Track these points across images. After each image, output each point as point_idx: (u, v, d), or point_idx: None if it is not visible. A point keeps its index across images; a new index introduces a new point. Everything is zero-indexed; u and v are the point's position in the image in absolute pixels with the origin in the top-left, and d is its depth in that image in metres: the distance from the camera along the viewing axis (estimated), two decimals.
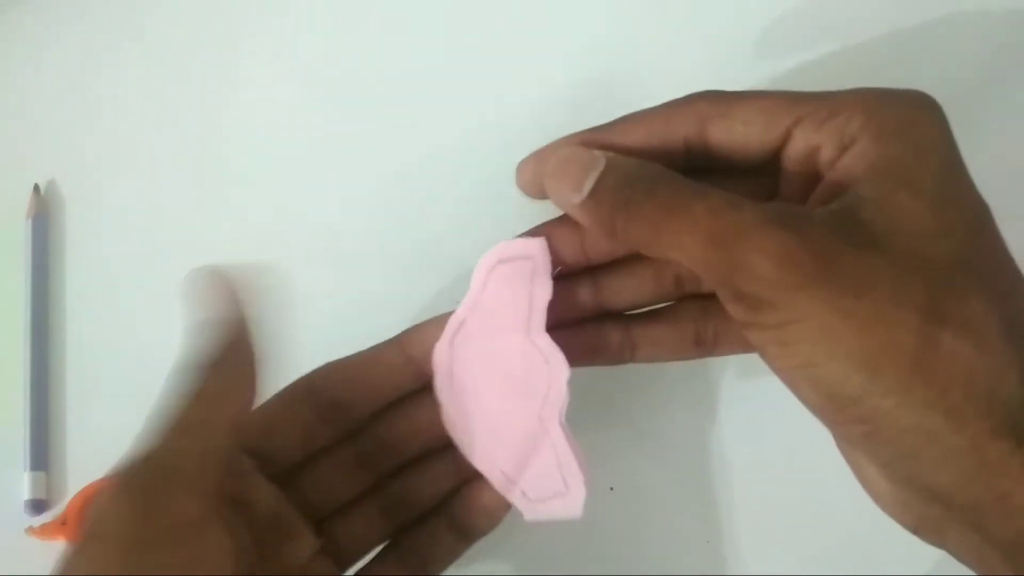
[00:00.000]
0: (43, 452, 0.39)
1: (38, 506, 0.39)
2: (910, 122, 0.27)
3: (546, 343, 0.31)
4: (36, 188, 0.43)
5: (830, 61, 0.39)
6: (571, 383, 0.31)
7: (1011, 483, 0.24)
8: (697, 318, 0.32)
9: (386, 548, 0.34)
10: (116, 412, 0.40)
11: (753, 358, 0.38)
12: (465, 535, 0.33)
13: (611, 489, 0.37)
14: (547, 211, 0.31)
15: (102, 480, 0.38)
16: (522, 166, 0.31)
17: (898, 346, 0.25)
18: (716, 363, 0.38)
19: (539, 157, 0.30)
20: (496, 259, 0.31)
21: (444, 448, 0.33)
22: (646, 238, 0.28)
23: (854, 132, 0.27)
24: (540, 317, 0.31)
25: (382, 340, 0.33)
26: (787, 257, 0.25)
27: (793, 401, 0.37)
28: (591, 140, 0.30)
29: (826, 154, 0.28)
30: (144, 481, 0.26)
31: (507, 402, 0.31)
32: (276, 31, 0.44)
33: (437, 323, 0.33)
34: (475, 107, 0.42)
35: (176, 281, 0.41)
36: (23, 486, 0.39)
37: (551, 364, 0.31)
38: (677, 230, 0.27)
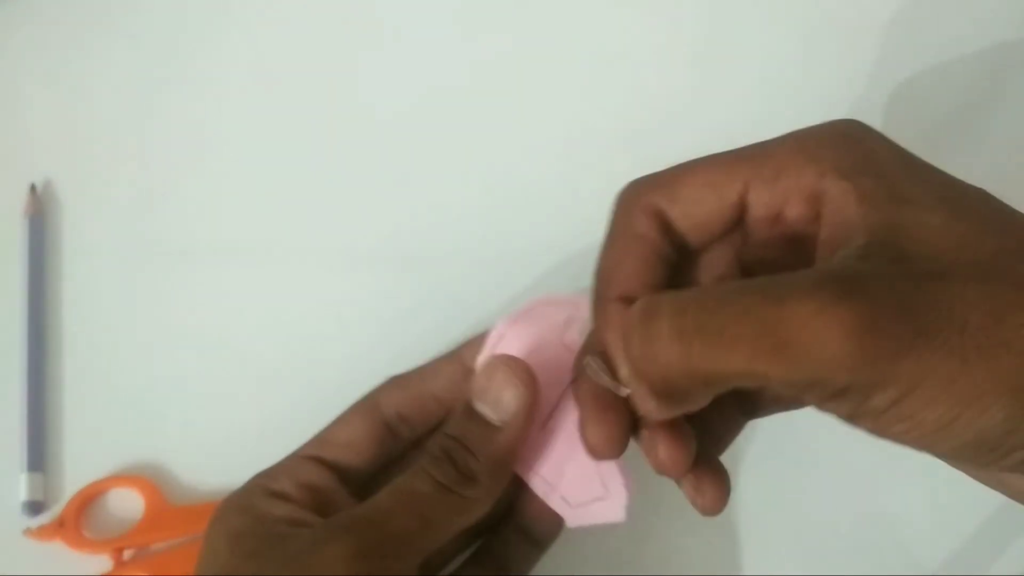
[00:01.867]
0: (40, 453, 0.39)
1: (35, 507, 0.38)
2: (861, 150, 0.26)
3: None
4: (33, 188, 0.42)
5: None
6: None
7: None
8: None
9: (466, 558, 0.34)
10: (113, 413, 0.40)
11: None
12: (534, 541, 0.34)
13: None
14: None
15: (100, 481, 0.38)
16: None
17: None
18: None
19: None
20: (545, 298, 0.32)
21: None
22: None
23: (811, 183, 0.26)
24: (575, 330, 0.31)
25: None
26: (868, 329, 0.22)
27: None
28: (604, 295, 0.28)
29: (794, 211, 0.27)
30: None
31: (545, 409, 0.31)
32: (272, 29, 0.44)
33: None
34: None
35: (173, 281, 0.41)
36: (20, 487, 0.38)
37: None
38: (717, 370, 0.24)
